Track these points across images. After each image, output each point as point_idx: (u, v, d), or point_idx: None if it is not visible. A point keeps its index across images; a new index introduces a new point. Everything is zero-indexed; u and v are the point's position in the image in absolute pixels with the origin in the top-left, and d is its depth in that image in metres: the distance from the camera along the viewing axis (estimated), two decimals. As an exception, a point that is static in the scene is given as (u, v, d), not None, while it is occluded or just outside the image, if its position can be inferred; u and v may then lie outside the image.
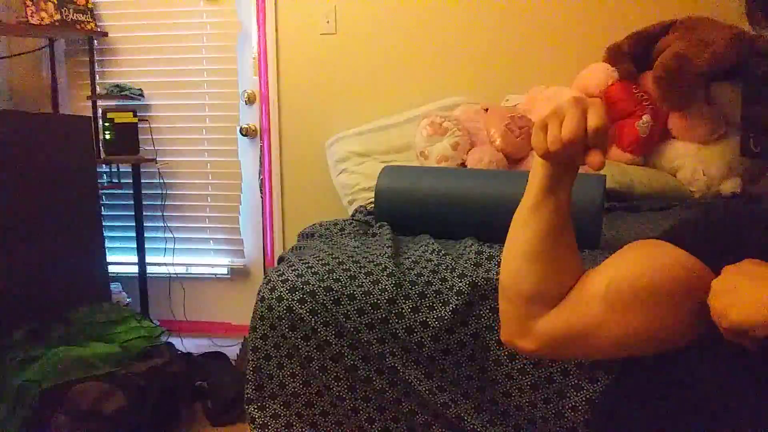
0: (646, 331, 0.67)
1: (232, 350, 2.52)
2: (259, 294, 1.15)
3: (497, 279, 1.08)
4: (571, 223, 0.76)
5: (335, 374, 1.10)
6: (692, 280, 0.65)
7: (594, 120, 0.65)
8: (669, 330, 0.67)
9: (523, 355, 0.95)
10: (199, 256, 2.91)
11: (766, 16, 0.73)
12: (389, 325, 1.08)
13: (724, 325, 0.59)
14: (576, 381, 1.01)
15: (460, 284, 1.08)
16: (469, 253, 1.18)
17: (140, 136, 2.63)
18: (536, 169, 0.74)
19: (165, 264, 2.85)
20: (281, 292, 1.12)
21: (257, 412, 1.13)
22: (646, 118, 2.05)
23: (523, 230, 0.76)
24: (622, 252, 0.72)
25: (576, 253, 0.77)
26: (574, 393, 1.01)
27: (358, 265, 1.16)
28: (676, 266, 0.65)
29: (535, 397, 1.04)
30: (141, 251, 2.70)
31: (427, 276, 1.12)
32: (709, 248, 0.65)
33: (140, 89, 2.73)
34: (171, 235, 2.85)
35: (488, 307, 1.07)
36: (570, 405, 1.02)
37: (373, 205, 1.60)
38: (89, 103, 2.68)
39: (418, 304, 1.08)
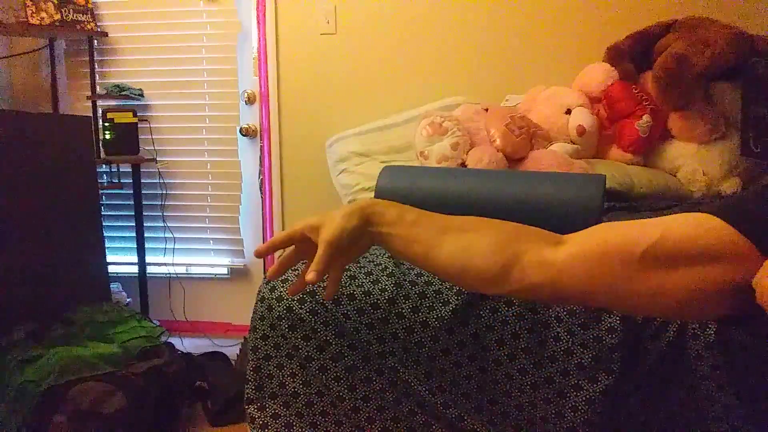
0: (677, 295, 0.67)
1: (232, 350, 2.52)
2: (259, 294, 1.15)
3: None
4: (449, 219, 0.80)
5: (335, 374, 1.10)
6: (733, 254, 0.64)
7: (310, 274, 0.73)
8: (702, 297, 0.67)
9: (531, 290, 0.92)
10: (199, 256, 2.91)
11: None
12: (389, 325, 1.08)
13: (766, 301, 0.58)
14: (576, 381, 1.01)
15: (460, 284, 1.08)
16: (469, 253, 1.18)
17: (140, 136, 2.63)
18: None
19: (165, 264, 2.85)
20: (281, 292, 1.12)
21: (257, 412, 1.13)
22: (646, 118, 2.05)
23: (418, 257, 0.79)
24: (664, 218, 0.71)
25: (500, 224, 0.80)
26: (574, 393, 1.01)
27: (358, 265, 1.16)
28: (718, 237, 0.64)
29: (535, 397, 1.04)
30: (141, 251, 2.70)
31: (427, 276, 1.12)
32: (757, 227, 0.64)
33: (140, 89, 2.73)
34: (171, 235, 2.85)
35: (488, 307, 1.07)
36: (570, 405, 1.02)
37: (373, 205, 1.60)
38: (89, 103, 2.68)
39: (418, 304, 1.08)
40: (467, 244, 0.77)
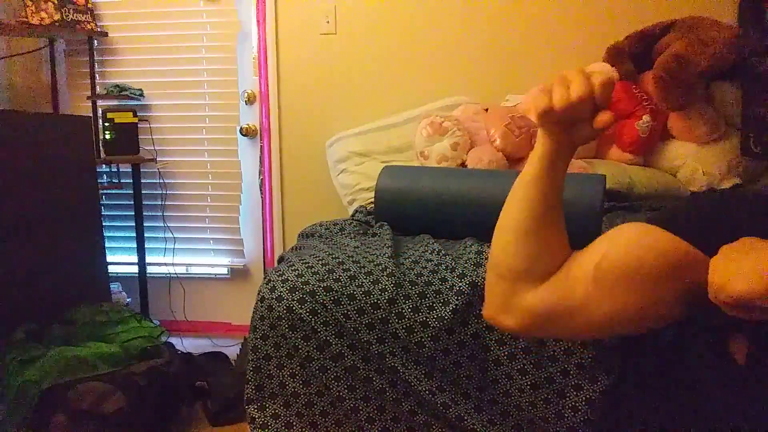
0: (632, 310, 0.69)
1: (232, 350, 2.52)
2: (259, 294, 1.15)
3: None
4: (562, 205, 0.79)
5: (335, 374, 1.10)
6: (679, 262, 0.66)
7: (599, 77, 0.68)
8: (654, 310, 0.69)
9: (505, 332, 0.96)
10: (199, 256, 2.91)
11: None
12: (389, 325, 1.08)
13: (724, 299, 0.60)
14: (576, 381, 1.01)
15: (460, 284, 1.08)
16: (469, 253, 1.18)
17: (140, 136, 2.63)
18: (538, 144, 0.77)
19: (165, 264, 2.85)
20: (281, 292, 1.12)
21: (257, 412, 1.13)
22: (646, 118, 2.05)
23: (518, 205, 0.78)
24: (610, 234, 0.74)
25: (564, 234, 0.80)
26: (574, 393, 1.01)
27: (358, 265, 1.16)
28: (663, 248, 0.67)
29: (535, 397, 1.04)
30: (141, 251, 2.70)
31: (427, 276, 1.12)
32: (696, 231, 0.67)
33: (140, 89, 2.73)
34: (171, 235, 2.85)
35: (488, 307, 1.07)
36: (570, 405, 1.02)
37: (373, 205, 1.60)
38: (89, 103, 2.68)
39: (418, 304, 1.08)
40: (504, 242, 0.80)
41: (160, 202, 2.83)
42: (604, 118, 0.68)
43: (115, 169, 2.76)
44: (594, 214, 1.25)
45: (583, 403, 1.00)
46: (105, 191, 2.80)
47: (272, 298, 1.12)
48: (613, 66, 2.15)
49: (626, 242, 0.70)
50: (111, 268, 2.55)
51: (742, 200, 0.71)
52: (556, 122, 0.72)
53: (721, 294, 0.60)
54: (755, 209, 0.69)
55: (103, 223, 2.48)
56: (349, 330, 1.08)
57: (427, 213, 1.40)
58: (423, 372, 1.07)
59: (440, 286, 1.10)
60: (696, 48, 1.99)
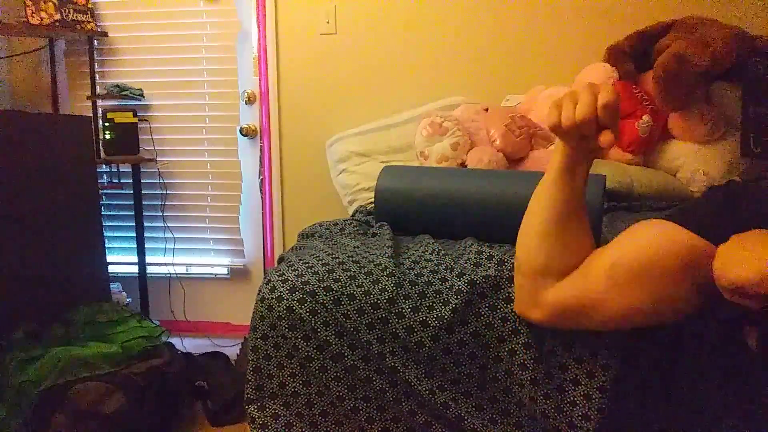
0: (648, 305, 0.74)
1: (232, 350, 2.52)
2: (259, 294, 1.15)
3: (497, 277, 1.08)
4: (585, 205, 0.83)
5: (335, 374, 1.10)
6: (693, 257, 0.69)
7: (604, 97, 0.72)
8: (669, 304, 0.74)
9: (536, 324, 1.00)
10: (199, 256, 2.91)
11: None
12: (389, 325, 1.08)
13: (723, 284, 0.62)
14: (573, 376, 1.01)
15: (460, 284, 1.08)
16: (469, 253, 1.18)
17: (140, 136, 2.64)
18: (556, 150, 0.82)
19: (165, 264, 2.85)
20: (281, 292, 1.12)
21: (257, 412, 1.13)
22: (646, 118, 2.05)
23: (540, 207, 0.84)
24: (627, 231, 0.78)
25: (588, 232, 0.84)
26: (573, 388, 1.01)
27: (358, 265, 1.16)
28: (677, 244, 0.70)
29: (535, 393, 1.04)
30: (141, 251, 2.70)
31: (427, 276, 1.12)
32: (712, 226, 0.69)
33: (140, 89, 2.73)
34: (171, 235, 2.85)
35: (487, 305, 1.07)
36: (569, 400, 1.02)
37: (373, 205, 1.60)
38: (89, 103, 2.68)
39: (418, 304, 1.08)
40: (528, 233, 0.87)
41: (160, 202, 2.83)
42: (605, 138, 0.73)
43: (115, 169, 2.76)
44: (594, 214, 1.25)
45: (582, 398, 1.01)
46: (105, 191, 2.80)
47: (272, 298, 1.12)
48: (613, 66, 2.15)
49: (639, 243, 0.74)
50: (111, 268, 2.55)
51: (755, 193, 0.73)
52: (567, 135, 0.77)
53: (721, 280, 0.62)
54: None
55: (103, 223, 2.48)
56: (349, 330, 1.08)
57: (427, 213, 1.40)
58: (423, 371, 1.07)
59: (440, 286, 1.10)
60: (696, 48, 1.99)
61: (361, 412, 1.10)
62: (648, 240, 0.73)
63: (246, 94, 2.74)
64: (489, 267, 1.11)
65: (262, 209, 2.79)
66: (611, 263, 0.74)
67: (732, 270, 0.61)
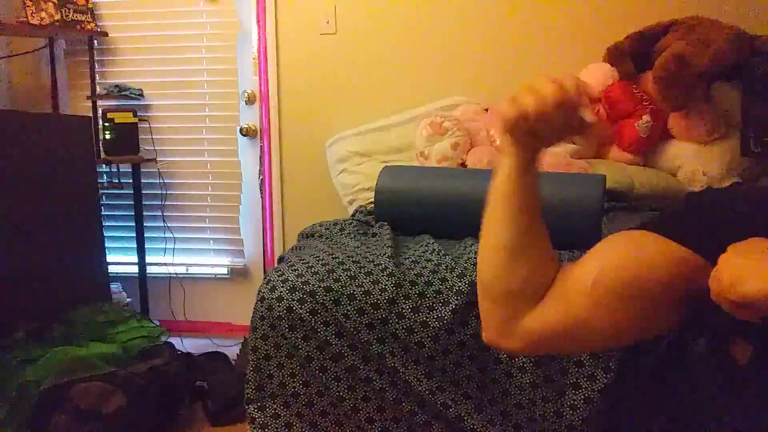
0: (633, 322, 0.69)
1: (232, 350, 2.52)
2: (259, 294, 1.15)
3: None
4: (541, 213, 0.76)
5: (335, 374, 1.10)
6: (677, 268, 0.66)
7: (569, 81, 0.67)
8: (655, 319, 0.69)
9: (509, 354, 0.96)
10: (199, 256, 2.91)
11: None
12: (389, 325, 1.08)
13: (734, 298, 0.59)
14: (575, 380, 1.01)
15: (460, 284, 1.08)
16: (469, 253, 1.18)
17: (140, 136, 2.63)
18: (505, 160, 0.75)
19: (165, 264, 2.85)
20: (281, 292, 1.12)
21: (257, 412, 1.13)
22: (646, 118, 2.05)
23: (501, 224, 0.75)
24: (604, 244, 0.72)
25: (549, 244, 0.77)
26: (573, 392, 1.01)
27: (358, 265, 1.16)
28: (660, 256, 0.66)
29: (534, 396, 1.04)
30: (141, 251, 2.69)
31: (427, 276, 1.12)
32: (694, 232, 0.66)
33: (140, 89, 2.73)
34: (171, 235, 2.85)
35: (488, 307, 1.07)
36: (569, 403, 1.02)
37: (373, 205, 1.60)
38: (89, 103, 2.67)
39: (418, 304, 1.08)
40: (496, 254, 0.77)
41: (160, 202, 2.83)
42: (587, 114, 0.67)
43: (115, 169, 2.76)
44: (594, 214, 1.25)
45: (582, 401, 1.01)
46: (105, 191, 2.79)
47: (272, 298, 1.12)
48: (613, 66, 2.15)
49: (620, 255, 0.69)
50: (111, 268, 2.54)
51: (745, 196, 0.70)
52: (527, 131, 0.71)
53: (731, 293, 0.59)
54: (760, 206, 0.68)
55: (103, 223, 2.48)
56: (349, 330, 1.08)
57: (427, 213, 1.41)
58: (423, 372, 1.07)
59: (440, 286, 1.10)
60: (696, 48, 1.99)
61: (361, 412, 1.10)
62: (630, 253, 0.68)
63: (246, 94, 2.74)
64: (489, 267, 1.11)
65: (262, 209, 2.78)
66: (592, 281, 0.68)
67: (745, 283, 0.59)
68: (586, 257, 0.74)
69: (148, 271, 2.74)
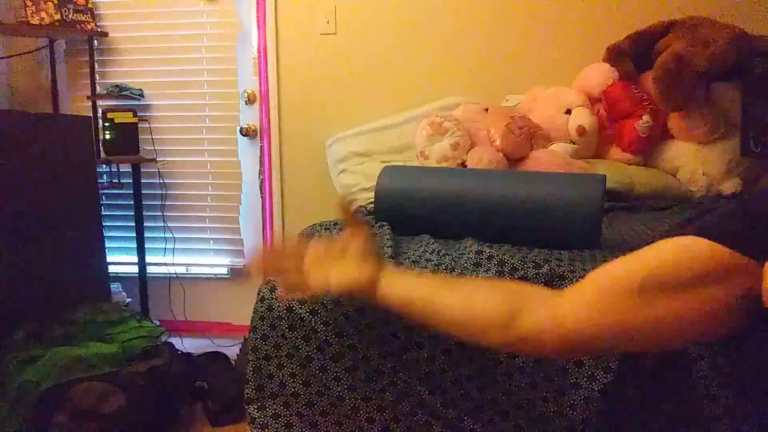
0: (682, 323, 0.66)
1: (232, 350, 2.52)
2: (259, 294, 1.15)
3: (497, 278, 1.08)
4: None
5: (335, 374, 1.10)
6: (729, 272, 0.63)
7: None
8: (704, 322, 0.66)
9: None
10: (199, 256, 2.91)
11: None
12: (389, 326, 1.08)
13: None
14: (575, 380, 1.01)
15: (460, 284, 1.08)
16: (469, 253, 1.18)
17: (140, 136, 2.63)
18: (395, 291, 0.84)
19: (165, 264, 2.85)
20: (281, 292, 1.12)
21: (257, 412, 1.13)
22: (646, 118, 2.05)
23: (452, 325, 0.80)
24: (652, 247, 0.70)
25: (489, 281, 0.86)
26: (573, 391, 1.01)
27: (358, 265, 1.16)
28: (712, 258, 0.64)
29: (534, 396, 1.04)
30: (141, 251, 2.70)
31: (427, 276, 1.12)
32: (748, 238, 0.64)
33: (140, 89, 2.73)
34: (171, 235, 2.85)
35: (488, 307, 1.07)
36: (569, 403, 1.02)
37: (373, 205, 1.60)
38: (89, 103, 2.68)
39: (418, 304, 1.08)
40: (473, 291, 0.80)
41: (160, 202, 2.83)
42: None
43: (115, 169, 2.76)
44: (594, 214, 1.25)
45: (582, 401, 1.00)
46: (105, 191, 2.79)
47: (272, 298, 1.12)
48: (613, 66, 2.15)
49: (670, 255, 0.67)
50: (111, 268, 2.54)
51: None
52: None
53: None
54: None
55: (103, 223, 2.48)
56: (349, 330, 1.08)
57: (427, 213, 1.40)
58: (423, 372, 1.07)
59: (440, 286, 1.10)
60: (696, 48, 1.99)
61: (361, 412, 1.10)
62: (681, 253, 0.66)
63: (246, 94, 2.74)
64: (489, 267, 1.11)
65: (262, 209, 2.79)
66: (643, 276, 0.67)
67: None
68: (629, 257, 0.72)
69: (148, 271, 2.74)
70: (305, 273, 0.85)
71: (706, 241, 0.65)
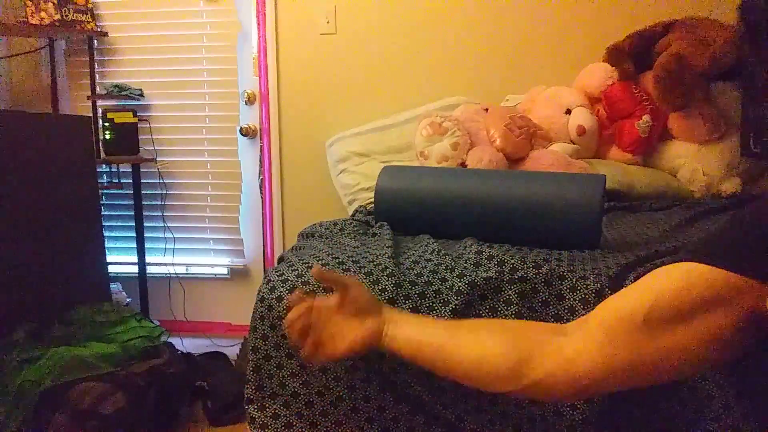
0: (689, 353, 0.66)
1: (232, 350, 2.52)
2: (259, 294, 1.15)
3: (497, 279, 1.08)
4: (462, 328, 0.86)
5: (335, 374, 1.10)
6: (730, 295, 0.62)
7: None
8: (710, 350, 0.65)
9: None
10: (199, 256, 2.91)
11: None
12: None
13: None
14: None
15: (460, 284, 1.08)
16: (469, 253, 1.18)
17: (140, 136, 2.63)
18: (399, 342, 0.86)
19: (165, 264, 2.85)
20: (281, 292, 1.12)
21: (257, 412, 1.13)
22: (646, 118, 2.05)
23: (461, 375, 0.81)
24: (652, 276, 0.71)
25: (494, 321, 0.90)
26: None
27: (358, 265, 1.16)
28: (711, 284, 0.63)
29: (535, 397, 1.04)
30: (141, 251, 2.70)
31: (427, 276, 1.12)
32: (748, 256, 0.63)
33: (140, 89, 2.73)
34: (171, 235, 2.85)
35: (488, 306, 1.07)
36: (569, 403, 1.02)
37: (373, 205, 1.60)
38: (89, 103, 2.68)
39: (417, 304, 1.08)
40: (479, 340, 0.80)
41: (160, 202, 2.83)
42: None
43: (115, 169, 2.76)
44: (594, 214, 1.25)
45: (582, 401, 1.01)
46: (105, 191, 2.79)
47: (272, 298, 1.12)
48: (613, 66, 2.15)
49: (673, 277, 0.67)
50: (111, 268, 2.54)
51: None
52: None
53: None
54: None
55: (103, 223, 2.48)
56: (349, 330, 1.08)
57: (427, 213, 1.40)
58: (423, 372, 1.07)
59: (440, 286, 1.10)
60: (696, 48, 1.99)
61: (361, 412, 1.10)
62: (684, 279, 0.66)
63: (246, 94, 2.74)
64: (489, 267, 1.11)
65: (262, 209, 2.79)
66: (648, 309, 0.66)
67: None
68: (629, 289, 0.73)
69: (148, 271, 2.74)
70: (317, 344, 0.89)
71: (704, 266, 0.64)
